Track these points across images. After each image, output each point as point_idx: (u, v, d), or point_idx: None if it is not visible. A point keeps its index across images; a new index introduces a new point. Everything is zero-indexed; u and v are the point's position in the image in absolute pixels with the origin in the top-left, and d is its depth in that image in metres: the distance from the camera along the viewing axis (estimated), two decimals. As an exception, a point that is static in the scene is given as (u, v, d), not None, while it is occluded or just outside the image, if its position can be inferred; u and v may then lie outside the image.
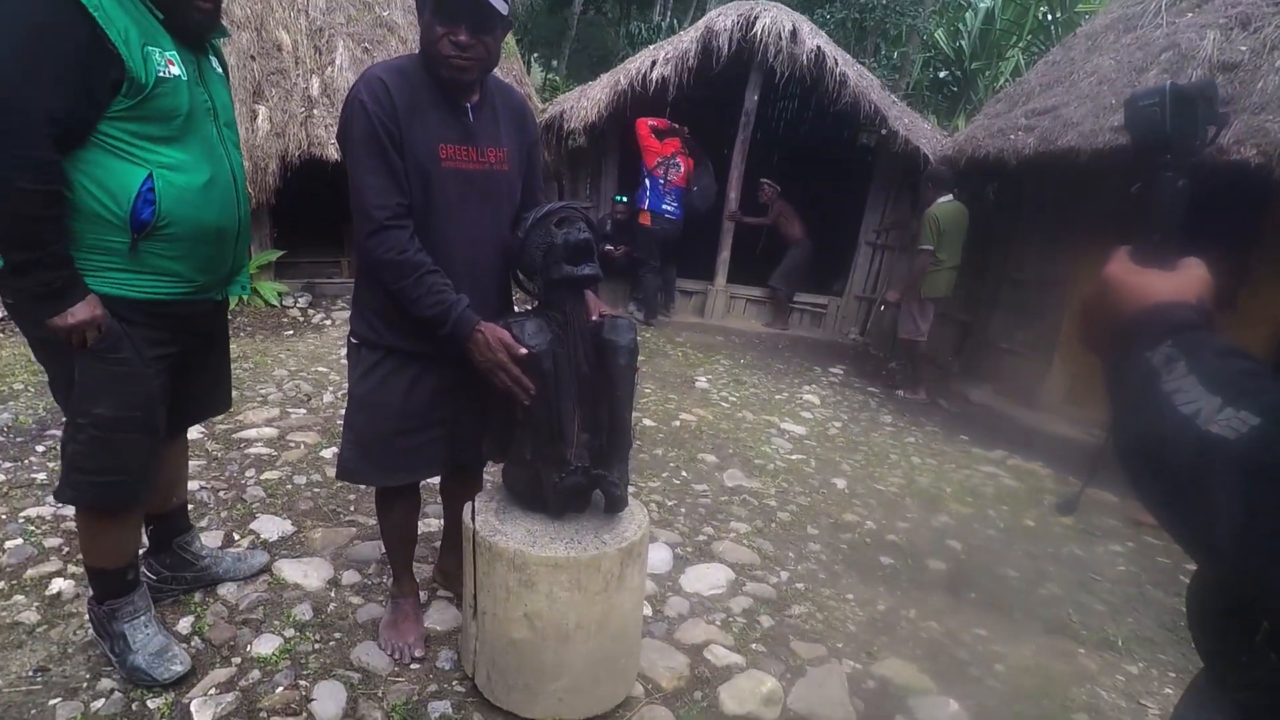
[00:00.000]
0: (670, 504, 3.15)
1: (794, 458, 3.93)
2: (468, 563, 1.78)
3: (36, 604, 1.99)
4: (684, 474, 3.50)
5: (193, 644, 1.90)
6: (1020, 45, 12.07)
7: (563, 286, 1.71)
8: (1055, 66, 5.67)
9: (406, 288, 1.61)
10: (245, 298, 1.80)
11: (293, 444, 3.26)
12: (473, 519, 1.77)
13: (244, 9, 5.22)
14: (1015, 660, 2.34)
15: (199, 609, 2.03)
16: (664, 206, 6.53)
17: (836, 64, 6.22)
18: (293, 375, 4.25)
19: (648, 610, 2.32)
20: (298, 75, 5.35)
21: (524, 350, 1.63)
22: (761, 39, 6.13)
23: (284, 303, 5.57)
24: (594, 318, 1.77)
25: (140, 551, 1.90)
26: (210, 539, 2.35)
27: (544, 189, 2.00)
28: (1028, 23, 12.10)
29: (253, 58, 5.16)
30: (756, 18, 6.19)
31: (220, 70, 1.76)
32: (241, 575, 2.17)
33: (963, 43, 13.03)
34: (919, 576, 2.83)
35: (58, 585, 2.06)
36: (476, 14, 1.56)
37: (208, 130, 1.63)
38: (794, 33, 6.18)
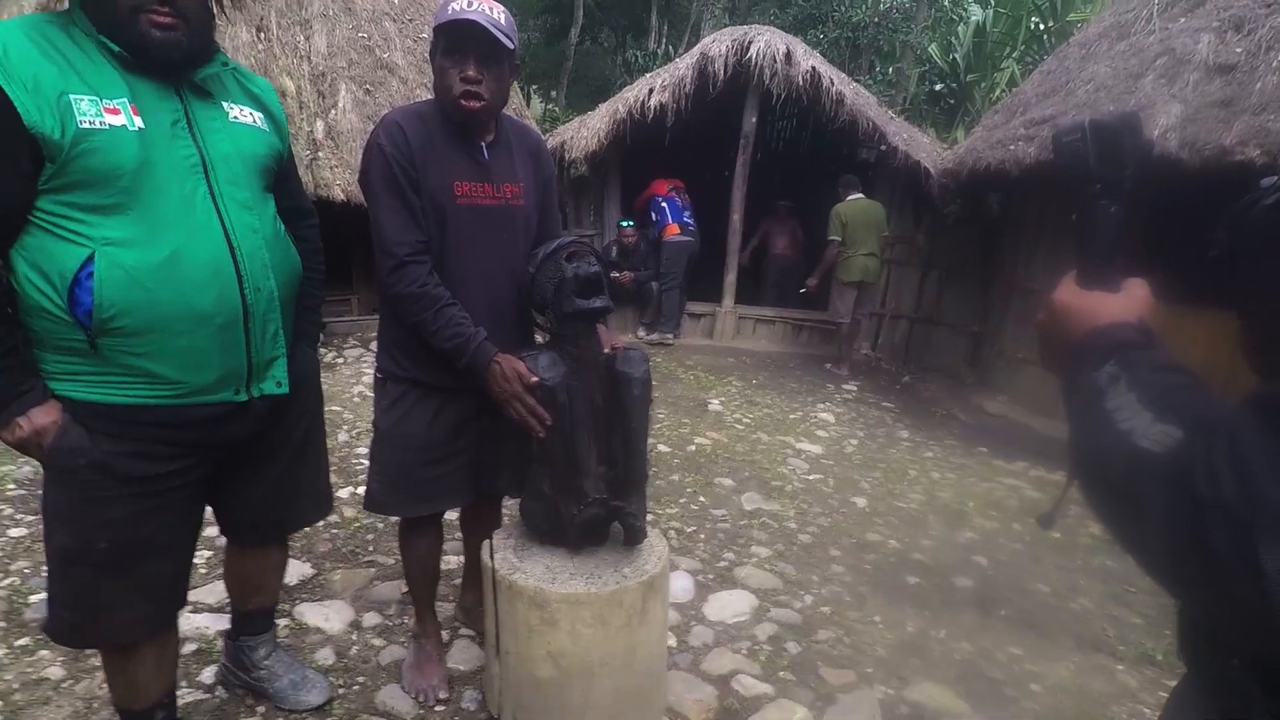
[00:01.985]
0: (689, 530, 3.12)
1: (812, 478, 3.89)
2: (488, 601, 1.76)
3: (61, 659, 1.97)
4: (701, 499, 3.47)
5: (216, 694, 1.88)
6: (1014, 56, 12.16)
7: (575, 320, 1.72)
8: (1051, 76, 5.70)
9: (425, 320, 1.65)
10: (279, 391, 1.51)
11: (309, 485, 3.25)
12: (491, 557, 1.76)
13: (247, 57, 5.33)
14: (1052, 679, 2.28)
15: (220, 657, 2.01)
16: (685, 219, 6.91)
17: (832, 83, 6.28)
18: (306, 415, 4.26)
19: (672, 641, 2.29)
20: (302, 120, 5.45)
21: (535, 379, 1.63)
22: (756, 62, 6.20)
23: (296, 343, 5.61)
24: (606, 350, 1.78)
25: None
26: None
27: (560, 221, 2.02)
28: (1020, 34, 12.20)
29: (259, 105, 5.26)
30: (751, 42, 6.27)
31: (241, 117, 1.44)
32: (291, 705, 1.83)
33: (956, 56, 13.14)
34: (947, 595, 2.78)
35: (79, 639, 2.04)
36: (482, 46, 1.60)
37: (183, 190, 1.29)
38: (788, 55, 6.26)
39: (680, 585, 2.62)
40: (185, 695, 1.83)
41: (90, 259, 1.20)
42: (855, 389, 5.99)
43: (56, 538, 1.34)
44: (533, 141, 1.89)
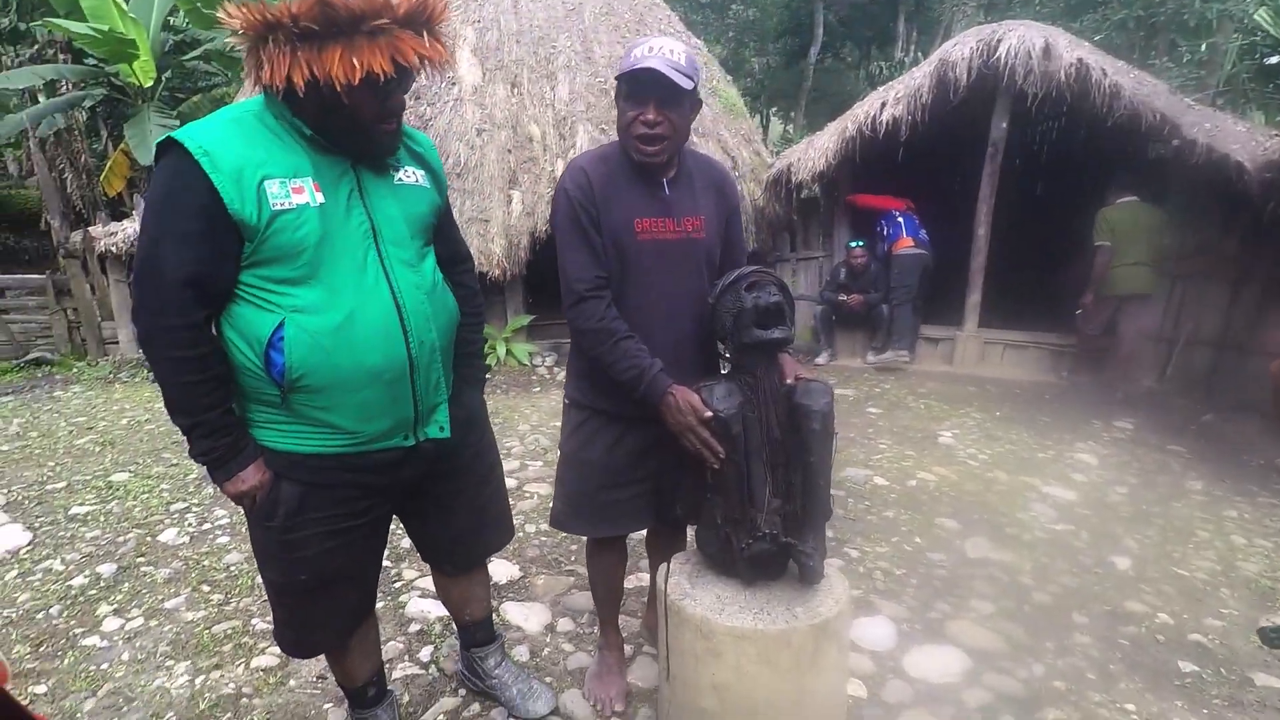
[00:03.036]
0: (898, 573, 2.87)
1: (1059, 528, 3.36)
2: (660, 625, 1.79)
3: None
4: (917, 540, 3.18)
5: (430, 671, 2.15)
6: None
7: (753, 350, 1.70)
8: None
9: (603, 353, 1.73)
10: (441, 435, 1.62)
11: (527, 494, 3.57)
12: (665, 581, 1.78)
13: (503, 111, 6.12)
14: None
15: (438, 640, 2.29)
16: (921, 234, 6.55)
17: (1105, 74, 5.42)
18: (534, 429, 4.70)
19: (862, 691, 2.13)
20: (545, 161, 6.08)
21: (709, 413, 1.63)
22: (1006, 62, 5.57)
23: (533, 362, 6.22)
24: (789, 380, 1.73)
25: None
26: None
27: (745, 251, 2.01)
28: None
29: (509, 150, 5.99)
30: (1000, 40, 5.65)
31: (406, 178, 1.55)
32: (522, 714, 2.00)
33: (1297, 18, 10.58)
34: (1239, 693, 2.22)
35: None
36: (661, 90, 1.65)
37: (356, 258, 1.42)
38: (1047, 49, 5.53)
39: (880, 631, 2.42)
40: (406, 669, 2.12)
41: (281, 325, 1.35)
42: (1131, 427, 5.05)
43: (266, 572, 1.57)
44: (717, 174, 1.91)
